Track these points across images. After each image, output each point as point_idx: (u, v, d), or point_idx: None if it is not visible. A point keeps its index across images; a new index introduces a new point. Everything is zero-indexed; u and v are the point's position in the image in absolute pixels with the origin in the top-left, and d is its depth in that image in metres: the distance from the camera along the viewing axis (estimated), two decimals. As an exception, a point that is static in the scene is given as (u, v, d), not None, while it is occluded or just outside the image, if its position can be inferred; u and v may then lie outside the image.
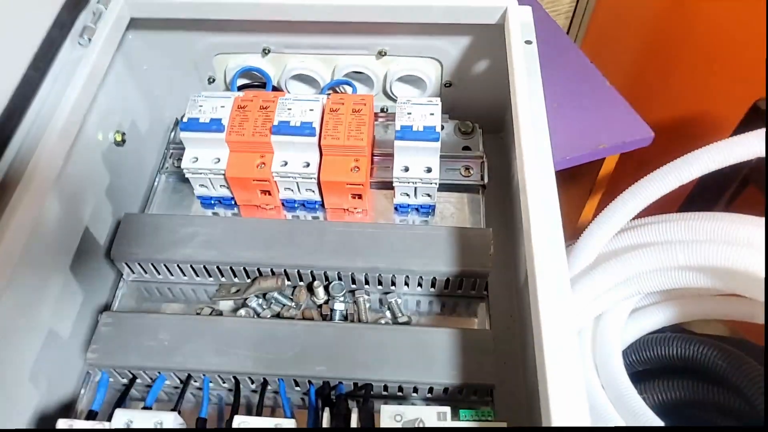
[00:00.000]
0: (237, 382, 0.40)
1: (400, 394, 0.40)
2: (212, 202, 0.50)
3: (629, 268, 0.57)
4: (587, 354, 0.61)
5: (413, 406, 0.35)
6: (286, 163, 0.47)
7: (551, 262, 0.34)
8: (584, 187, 0.71)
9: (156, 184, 0.52)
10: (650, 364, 0.65)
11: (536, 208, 0.37)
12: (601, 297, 0.61)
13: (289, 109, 0.47)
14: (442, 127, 0.54)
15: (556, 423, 0.27)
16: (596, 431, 0.25)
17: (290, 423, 0.35)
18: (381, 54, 0.54)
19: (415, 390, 0.39)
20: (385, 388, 0.39)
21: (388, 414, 0.35)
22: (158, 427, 0.34)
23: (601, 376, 0.60)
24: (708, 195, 0.71)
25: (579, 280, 0.58)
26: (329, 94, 0.52)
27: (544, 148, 0.41)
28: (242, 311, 0.43)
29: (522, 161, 0.39)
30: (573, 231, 0.61)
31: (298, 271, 0.44)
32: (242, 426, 0.34)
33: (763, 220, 0.54)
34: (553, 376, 0.29)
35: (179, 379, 0.40)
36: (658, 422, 0.53)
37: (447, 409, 0.35)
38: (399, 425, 0.34)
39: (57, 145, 0.39)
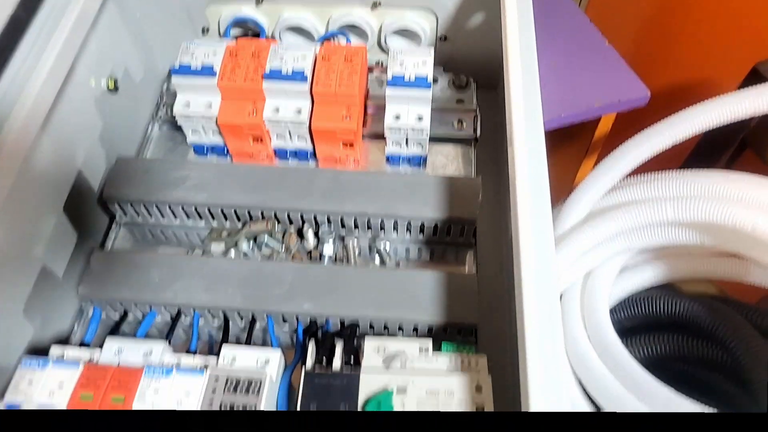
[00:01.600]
0: (226, 319, 0.41)
1: (385, 332, 0.40)
2: (205, 150, 0.51)
3: (618, 223, 0.57)
4: (576, 310, 0.62)
5: (396, 339, 0.36)
6: (277, 110, 0.47)
7: (536, 216, 0.34)
8: (580, 148, 0.71)
9: (149, 132, 0.53)
10: (638, 321, 0.65)
11: (523, 161, 0.38)
12: (590, 253, 0.61)
13: (282, 56, 0.47)
14: (436, 80, 0.54)
15: (532, 382, 0.28)
16: (575, 416, 0.26)
17: (276, 353, 0.35)
18: (375, 5, 0.53)
19: (401, 329, 0.40)
20: (371, 326, 0.40)
21: (371, 346, 0.36)
22: (148, 354, 0.35)
23: (589, 330, 0.60)
24: (705, 159, 0.71)
25: (568, 235, 0.58)
26: (323, 43, 0.51)
27: (534, 102, 0.41)
28: (232, 254, 0.44)
29: (510, 113, 0.39)
30: (569, 192, 0.61)
31: (288, 215, 0.44)
32: (229, 355, 0.35)
33: (756, 177, 0.54)
34: (532, 333, 0.29)
35: (170, 314, 0.41)
36: (642, 373, 0.54)
37: (429, 343, 0.36)
38: (381, 357, 0.35)
39: (46, 86, 0.39)
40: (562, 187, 0.78)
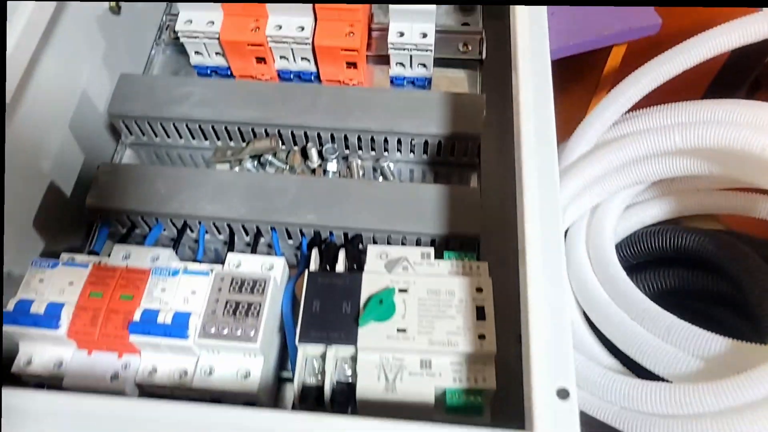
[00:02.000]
0: (231, 233, 0.41)
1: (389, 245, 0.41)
2: (209, 72, 0.51)
3: (625, 153, 0.57)
4: (581, 245, 0.62)
5: (399, 246, 0.37)
6: (280, 27, 0.46)
7: (540, 136, 0.34)
8: (590, 83, 0.70)
9: (152, 56, 0.52)
10: (644, 257, 0.65)
11: (527, 85, 0.37)
12: (596, 186, 0.61)
13: (284, -29, 0.46)
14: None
15: (533, 295, 0.29)
16: None
17: (280, 260, 0.36)
18: None
19: (404, 242, 0.40)
20: (374, 240, 0.40)
21: (374, 253, 0.36)
22: (155, 260, 0.36)
23: (594, 264, 0.61)
24: (725, 91, 0.69)
25: (574, 166, 0.58)
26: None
27: (541, 26, 0.40)
28: (237, 170, 0.44)
29: (515, 36, 0.38)
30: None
31: (292, 134, 0.44)
32: (234, 261, 0.36)
33: (765, 103, 0.53)
34: (534, 250, 0.30)
35: (176, 227, 0.41)
36: (648, 303, 0.54)
37: (431, 250, 0.36)
38: (384, 262, 0.35)
39: (45, 5, 0.39)
40: (571, 125, 0.77)
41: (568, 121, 0.82)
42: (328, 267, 0.36)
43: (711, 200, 0.64)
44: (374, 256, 0.36)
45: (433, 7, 0.45)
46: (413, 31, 0.46)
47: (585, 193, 0.61)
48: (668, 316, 0.53)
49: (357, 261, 0.37)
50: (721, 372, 0.48)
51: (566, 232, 0.63)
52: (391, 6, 0.45)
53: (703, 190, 0.64)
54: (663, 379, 0.49)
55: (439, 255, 0.37)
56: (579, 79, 0.73)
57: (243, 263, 0.36)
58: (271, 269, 0.36)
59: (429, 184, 0.41)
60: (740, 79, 0.78)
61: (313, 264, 0.37)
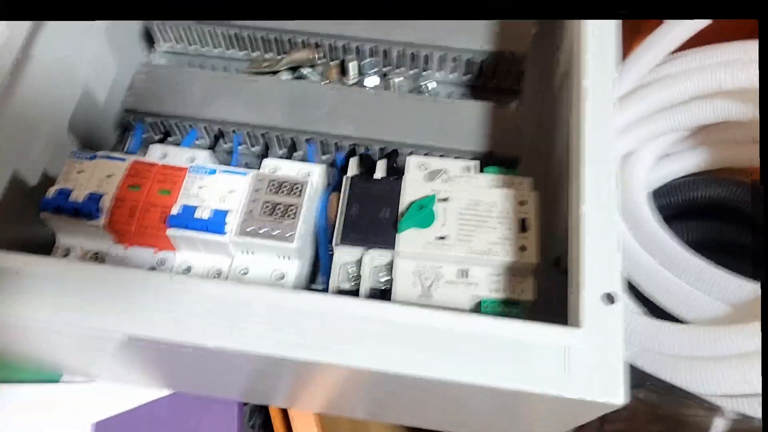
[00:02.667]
0: (266, 144, 0.40)
1: (426, 162, 0.40)
2: None
3: (667, 93, 0.55)
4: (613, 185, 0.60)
5: (440, 158, 0.36)
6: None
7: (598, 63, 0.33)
8: (630, 29, 0.67)
9: None
10: (677, 209, 0.64)
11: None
12: (633, 130, 0.59)
13: None
14: None
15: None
16: None
17: (318, 167, 0.35)
18: None
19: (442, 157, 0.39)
20: (411, 155, 0.39)
21: (414, 163, 0.35)
22: (192, 160, 0.35)
23: (624, 209, 0.59)
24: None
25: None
26: None
27: None
28: (273, 82, 0.43)
29: None
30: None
31: (331, 45, 0.43)
32: (271, 165, 0.35)
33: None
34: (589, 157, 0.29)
35: (210, 135, 0.41)
36: (674, 245, 0.53)
37: (473, 163, 0.35)
38: (424, 173, 0.35)
39: None
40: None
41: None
42: (367, 170, 0.36)
43: (747, 153, 0.62)
44: (414, 166, 0.35)
45: None
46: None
47: (622, 137, 0.60)
48: (696, 260, 0.52)
49: (396, 172, 0.36)
50: (747, 317, 0.47)
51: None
52: None
53: (740, 141, 0.62)
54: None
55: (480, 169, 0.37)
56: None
57: (280, 168, 0.35)
58: (309, 175, 0.35)
59: (469, 101, 0.40)
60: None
61: (351, 170, 0.36)
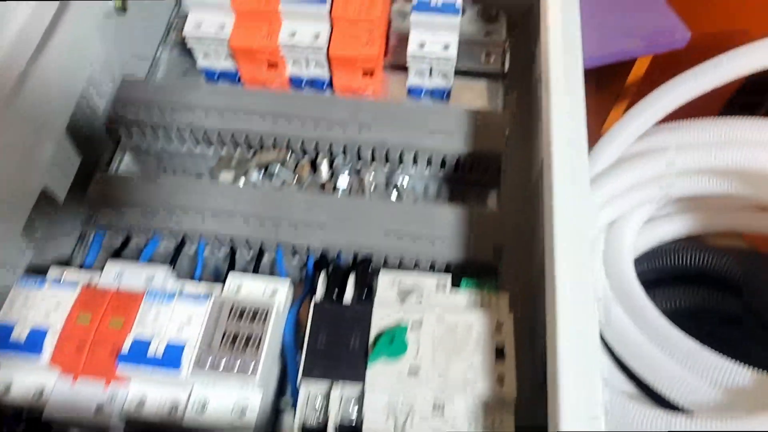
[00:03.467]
0: (233, 249, 0.39)
1: (401, 268, 0.38)
2: (216, 76, 0.48)
3: (649, 169, 0.54)
4: (598, 258, 0.59)
5: (413, 273, 0.34)
6: (294, 34, 0.44)
7: (570, 156, 0.32)
8: (612, 92, 0.67)
9: (158, 56, 0.50)
10: (663, 273, 0.63)
11: (559, 99, 0.35)
12: (617, 200, 0.58)
13: (300, -26, 0.43)
14: (463, 11, 0.50)
15: (561, 311, 0.26)
16: None
17: (285, 283, 0.33)
18: (402, -75, 0.49)
19: (417, 264, 0.37)
20: (386, 262, 0.38)
21: (386, 280, 0.33)
22: (150, 280, 0.33)
23: (611, 281, 0.58)
24: (745, 105, 0.66)
25: (596, 180, 0.55)
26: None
27: (574, 35, 0.38)
28: (242, 183, 0.42)
29: (547, 47, 0.36)
30: (597, 139, 0.58)
31: (302, 144, 0.42)
32: (235, 283, 0.33)
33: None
34: (562, 272, 0.28)
35: (174, 241, 0.39)
36: (664, 323, 0.52)
37: (447, 278, 0.33)
38: (396, 291, 0.33)
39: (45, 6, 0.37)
40: (590, 132, 0.74)
41: (588, 129, 0.79)
42: (335, 292, 0.34)
43: (735, 219, 0.61)
44: (386, 283, 0.33)
45: (457, 18, 0.42)
46: (435, 41, 0.44)
47: (606, 207, 0.59)
48: (688, 341, 0.50)
49: (368, 286, 0.34)
50: (743, 404, 0.45)
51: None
52: (413, 16, 0.43)
53: (727, 207, 0.61)
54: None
55: (455, 281, 0.35)
56: (601, 87, 0.70)
57: (244, 286, 0.33)
58: (274, 294, 0.33)
59: (446, 205, 0.38)
60: (760, 95, 0.75)
61: (320, 290, 0.34)
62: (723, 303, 0.60)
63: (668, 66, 0.64)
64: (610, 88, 0.67)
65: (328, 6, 0.43)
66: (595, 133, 0.71)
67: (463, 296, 0.33)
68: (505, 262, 0.37)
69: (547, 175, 0.33)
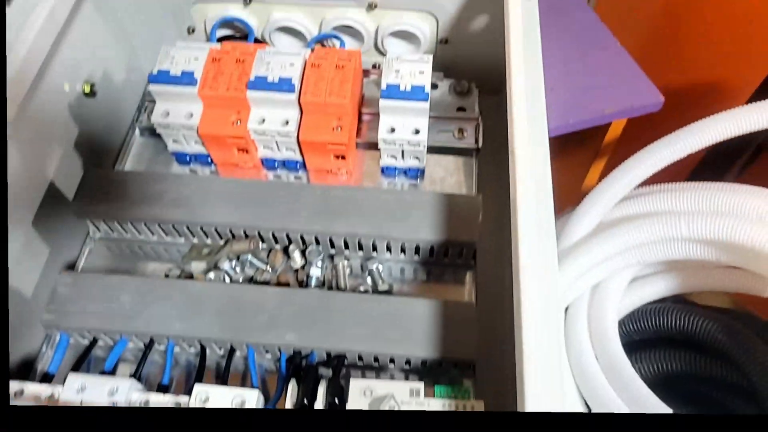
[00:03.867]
0: (203, 348, 0.38)
1: (376, 364, 0.37)
2: (187, 159, 0.48)
3: (629, 237, 0.54)
4: (582, 322, 0.58)
5: (385, 381, 0.33)
6: (263, 121, 0.44)
7: (538, 238, 0.32)
8: (590, 150, 0.67)
9: (130, 138, 0.50)
10: (648, 335, 0.62)
11: (525, 177, 0.35)
12: (599, 266, 0.58)
13: (268, 63, 0.44)
14: (436, 86, 0.51)
15: (530, 408, 0.25)
16: (573, 417, 0.23)
17: (253, 393, 0.32)
18: (371, 7, 0.50)
19: (392, 361, 0.37)
20: (360, 358, 0.37)
21: (357, 388, 0.33)
22: (113, 393, 0.32)
23: (595, 346, 0.57)
24: (720, 162, 0.67)
25: (577, 248, 0.55)
26: (314, 48, 0.48)
27: (539, 115, 0.38)
28: (212, 275, 0.41)
29: (512, 126, 0.36)
30: (577, 196, 0.58)
31: (274, 234, 0.41)
32: (202, 395, 0.32)
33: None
34: (530, 361, 0.27)
35: (142, 342, 0.38)
36: (648, 394, 0.51)
37: (420, 386, 0.33)
38: (368, 400, 0.32)
39: (10, 93, 0.36)
40: (570, 191, 0.75)
41: (566, 188, 0.80)
42: (306, 400, 0.33)
43: (719, 279, 0.61)
44: (358, 392, 0.32)
45: (426, 103, 0.43)
46: (405, 126, 0.44)
47: (587, 273, 0.59)
48: (666, 410, 0.49)
49: (339, 394, 0.33)
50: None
51: (566, 309, 0.60)
52: (381, 102, 0.43)
53: (710, 267, 0.61)
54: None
55: (429, 381, 0.34)
56: (578, 147, 0.71)
57: (211, 398, 0.32)
58: (242, 405, 0.32)
59: (420, 299, 0.37)
60: (743, 145, 0.76)
61: (290, 399, 0.33)
62: (707, 367, 0.60)
63: (644, 123, 0.65)
64: (589, 145, 0.67)
65: (296, 92, 0.43)
66: (577, 188, 0.71)
67: (437, 405, 0.32)
68: (482, 354, 0.36)
69: (515, 260, 0.32)
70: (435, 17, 0.51)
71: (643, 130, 0.56)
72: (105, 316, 0.37)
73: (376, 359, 0.37)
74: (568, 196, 0.74)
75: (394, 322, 0.36)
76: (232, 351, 0.38)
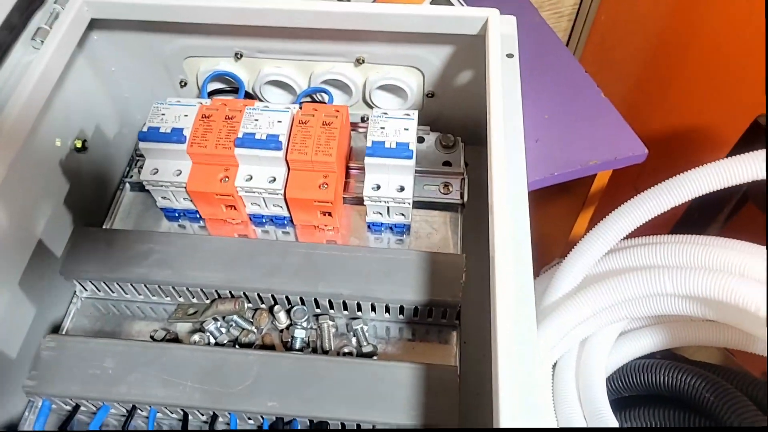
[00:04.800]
0: (185, 415, 0.37)
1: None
2: (177, 214, 0.48)
3: (615, 294, 0.54)
4: (571, 380, 0.58)
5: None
6: (251, 178, 0.44)
7: (516, 296, 0.32)
8: (576, 200, 0.68)
9: (121, 193, 0.50)
10: (636, 391, 0.62)
11: (503, 234, 0.35)
12: (586, 322, 0.58)
13: (256, 120, 0.44)
14: (422, 140, 0.51)
15: None
16: None
17: (233, 465, 0.32)
18: (359, 62, 0.51)
19: (375, 428, 0.36)
20: (343, 426, 0.37)
21: (338, 459, 0.32)
22: (92, 466, 0.32)
23: (583, 404, 0.57)
24: (704, 214, 0.68)
25: (563, 303, 0.55)
26: (302, 103, 0.49)
27: (518, 172, 0.39)
28: (197, 336, 0.41)
29: (492, 186, 0.36)
30: (564, 246, 0.58)
31: (259, 295, 0.41)
32: (181, 468, 0.32)
33: (757, 247, 0.51)
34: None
35: (125, 409, 0.37)
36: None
37: (401, 458, 0.32)
38: (349, 473, 0.32)
39: (1, 152, 0.37)
40: (558, 241, 0.75)
41: (553, 238, 0.80)
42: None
43: (706, 334, 0.61)
44: (338, 463, 0.32)
45: (410, 161, 0.43)
46: (390, 183, 0.44)
47: (574, 329, 0.59)
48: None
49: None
50: None
51: (555, 366, 0.60)
52: (366, 159, 0.43)
53: (698, 321, 0.61)
54: None
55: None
56: (565, 197, 0.71)
57: (191, 470, 0.32)
58: (223, 478, 0.32)
59: (402, 363, 0.37)
60: (728, 195, 0.76)
61: (270, 471, 0.33)
62: (695, 425, 0.59)
63: (630, 174, 0.66)
64: (575, 195, 0.68)
65: (283, 149, 0.43)
66: (565, 236, 0.72)
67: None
68: (466, 419, 0.36)
69: (493, 321, 0.32)
70: (421, 71, 0.52)
71: (630, 179, 0.57)
72: (87, 383, 0.36)
73: (358, 427, 0.36)
74: (556, 246, 0.74)
75: (376, 389, 0.36)
76: (214, 417, 0.37)
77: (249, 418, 0.37)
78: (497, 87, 0.40)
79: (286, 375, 0.37)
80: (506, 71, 0.42)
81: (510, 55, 0.43)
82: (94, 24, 0.48)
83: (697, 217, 0.68)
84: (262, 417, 0.37)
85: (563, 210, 0.71)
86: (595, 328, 0.59)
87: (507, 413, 0.28)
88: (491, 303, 0.33)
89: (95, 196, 0.50)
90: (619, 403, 0.60)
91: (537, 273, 0.66)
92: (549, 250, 0.72)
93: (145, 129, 0.44)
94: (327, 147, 0.44)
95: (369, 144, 0.44)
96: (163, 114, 0.45)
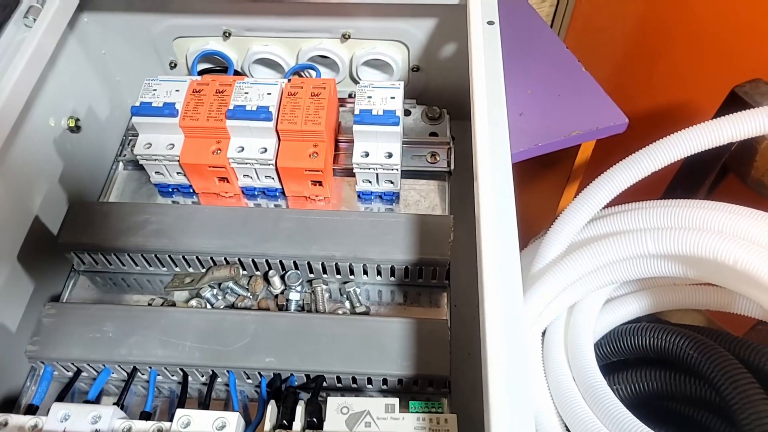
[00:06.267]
0: (185, 375, 0.38)
1: (354, 385, 0.38)
2: (170, 189, 0.49)
3: (599, 257, 0.55)
4: (560, 345, 0.60)
5: (360, 398, 0.34)
6: (242, 149, 0.45)
7: (503, 255, 0.33)
8: (562, 174, 0.70)
9: (114, 171, 0.51)
10: (624, 355, 0.63)
11: (487, 198, 0.36)
12: (572, 287, 0.59)
13: (246, 93, 0.45)
14: (409, 113, 0.53)
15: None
16: None
17: (233, 416, 0.33)
18: (345, 37, 0.52)
19: (370, 381, 0.38)
20: (339, 379, 0.38)
21: (334, 406, 0.34)
22: (96, 421, 0.33)
23: (573, 368, 0.58)
24: (688, 185, 0.69)
25: (549, 270, 0.56)
26: (290, 79, 0.50)
27: (501, 136, 0.40)
28: (195, 302, 0.42)
29: (476, 152, 0.38)
30: (551, 220, 0.59)
31: (253, 261, 0.42)
32: (183, 419, 0.33)
33: (735, 207, 0.53)
34: (495, 386, 0.28)
35: (125, 371, 0.38)
36: (627, 415, 0.52)
37: (395, 401, 0.34)
38: (345, 417, 0.33)
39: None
40: (546, 214, 0.76)
41: (541, 212, 0.82)
42: (285, 422, 0.34)
43: (689, 297, 0.62)
44: (334, 410, 0.33)
45: (398, 128, 0.44)
46: (378, 150, 0.45)
47: (561, 294, 0.60)
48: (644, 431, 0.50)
49: (317, 414, 0.34)
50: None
51: (544, 332, 0.61)
52: (354, 127, 0.45)
53: (681, 285, 0.63)
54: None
55: (405, 400, 0.35)
56: (551, 170, 0.73)
57: (193, 422, 0.33)
58: (224, 428, 0.33)
59: (395, 318, 0.39)
60: (709, 165, 0.78)
61: (269, 420, 0.34)
62: (682, 384, 0.61)
63: (614, 145, 0.68)
64: (561, 168, 0.69)
65: (274, 120, 0.45)
66: (552, 211, 0.73)
67: (411, 419, 0.33)
68: (457, 372, 0.37)
69: (480, 282, 0.33)
70: (406, 46, 0.53)
71: (613, 152, 0.58)
72: (88, 346, 0.37)
73: (354, 380, 0.38)
74: (544, 220, 0.75)
75: (370, 343, 0.37)
76: (213, 377, 0.38)
77: (248, 377, 0.39)
78: (479, 53, 0.42)
79: (282, 332, 0.38)
80: (487, 37, 0.44)
81: (491, 23, 0.44)
82: (85, 5, 0.48)
83: (681, 189, 0.70)
84: (260, 374, 0.38)
85: (549, 185, 0.73)
86: (581, 294, 0.60)
87: (496, 372, 0.28)
88: (478, 266, 0.34)
89: (89, 174, 0.51)
90: (607, 369, 0.61)
91: (525, 246, 0.67)
92: (537, 224, 0.73)
93: (137, 104, 0.45)
94: (316, 116, 0.45)
95: (356, 112, 0.45)
96: (154, 90, 0.46)
